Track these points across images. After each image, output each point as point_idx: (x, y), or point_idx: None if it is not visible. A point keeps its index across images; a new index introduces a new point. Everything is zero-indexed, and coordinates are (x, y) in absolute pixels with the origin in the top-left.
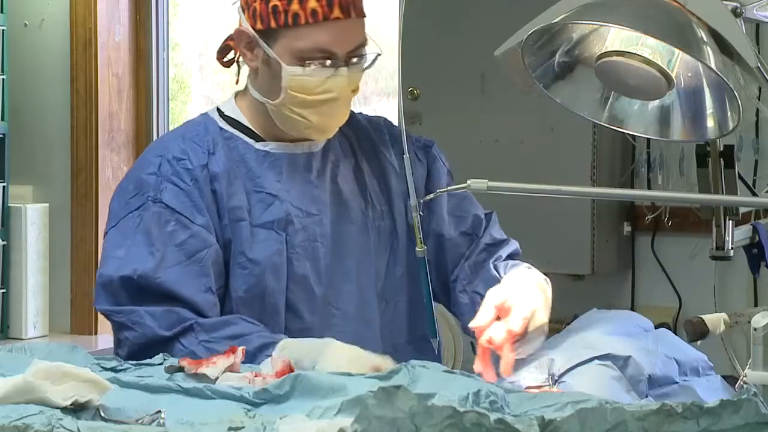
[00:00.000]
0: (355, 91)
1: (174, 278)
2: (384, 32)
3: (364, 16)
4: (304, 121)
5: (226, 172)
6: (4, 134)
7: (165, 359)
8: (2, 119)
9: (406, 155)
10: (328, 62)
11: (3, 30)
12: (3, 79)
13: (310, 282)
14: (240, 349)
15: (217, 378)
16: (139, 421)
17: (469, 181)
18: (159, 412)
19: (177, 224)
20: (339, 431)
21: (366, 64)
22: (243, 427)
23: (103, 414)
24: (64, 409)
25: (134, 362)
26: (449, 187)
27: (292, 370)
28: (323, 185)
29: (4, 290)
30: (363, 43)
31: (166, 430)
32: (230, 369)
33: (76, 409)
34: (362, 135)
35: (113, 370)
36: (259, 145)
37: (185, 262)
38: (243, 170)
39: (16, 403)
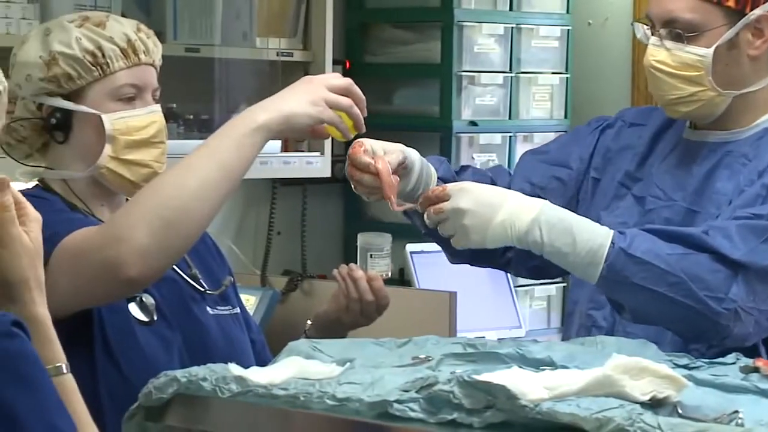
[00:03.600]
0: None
1: None
2: None
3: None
4: None
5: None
6: (566, 131)
7: (738, 359)
8: (565, 117)
9: None
10: None
11: (568, 30)
12: (567, 78)
13: None
14: None
15: None
16: (717, 420)
17: None
18: (736, 412)
19: None
20: None
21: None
22: None
23: (680, 411)
24: (643, 404)
25: (707, 360)
26: None
27: None
28: (696, 173)
29: None
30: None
31: (747, 430)
32: None
33: (654, 405)
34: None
35: (686, 367)
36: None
37: None
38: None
39: (595, 396)
